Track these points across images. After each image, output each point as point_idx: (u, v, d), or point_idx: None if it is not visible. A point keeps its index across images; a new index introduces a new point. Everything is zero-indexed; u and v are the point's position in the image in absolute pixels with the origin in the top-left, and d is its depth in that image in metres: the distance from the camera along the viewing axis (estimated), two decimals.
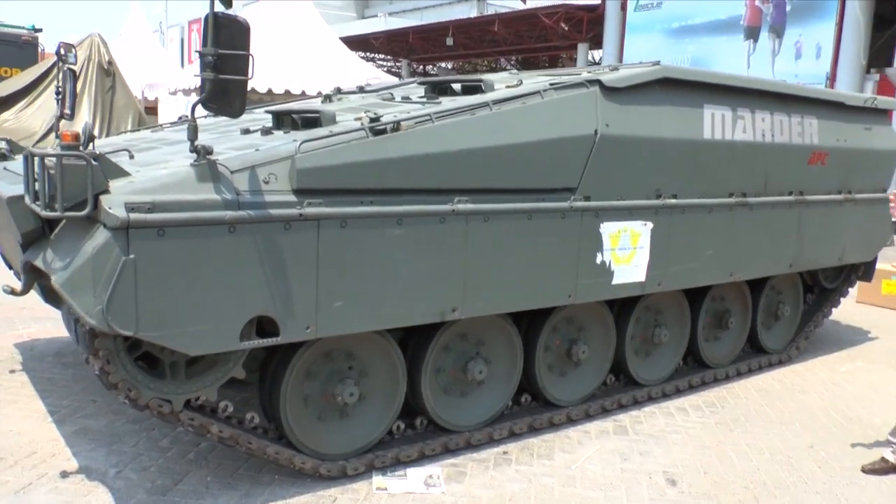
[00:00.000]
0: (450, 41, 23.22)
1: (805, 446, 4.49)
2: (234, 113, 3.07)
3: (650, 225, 4.60)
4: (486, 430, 4.29)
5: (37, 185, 3.14)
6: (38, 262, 3.18)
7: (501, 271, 3.97)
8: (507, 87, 4.36)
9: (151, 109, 18.16)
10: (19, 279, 4.70)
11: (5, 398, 4.66)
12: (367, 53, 27.47)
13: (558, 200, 4.16)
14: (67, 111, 5.75)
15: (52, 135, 5.80)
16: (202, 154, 3.11)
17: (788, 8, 15.78)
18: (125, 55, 16.24)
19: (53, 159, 2.83)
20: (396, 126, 3.60)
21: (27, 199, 3.14)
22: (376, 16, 36.89)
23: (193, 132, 3.09)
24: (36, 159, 3.09)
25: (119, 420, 4.41)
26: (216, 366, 3.36)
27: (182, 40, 43.08)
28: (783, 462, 4.26)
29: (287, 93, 12.64)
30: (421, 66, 29.61)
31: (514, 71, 7.42)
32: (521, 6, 29.56)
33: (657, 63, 4.70)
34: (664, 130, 4.62)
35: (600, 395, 4.91)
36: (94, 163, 2.87)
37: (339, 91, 6.31)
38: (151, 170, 3.27)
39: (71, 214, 2.84)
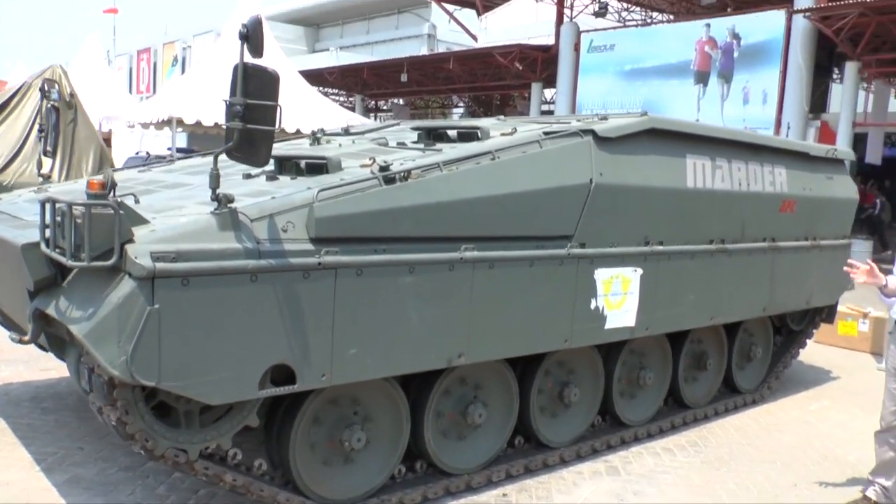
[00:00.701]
0: (404, 77, 23.47)
1: (789, 485, 4.65)
2: (260, 162, 3.11)
3: (640, 271, 4.75)
4: (484, 473, 4.34)
5: (51, 233, 3.13)
6: (51, 311, 3.15)
7: (504, 317, 4.06)
8: (502, 134, 4.49)
9: (106, 142, 17.86)
10: (7, 329, 4.65)
11: None
12: (321, 88, 27.58)
13: (556, 248, 4.28)
14: (49, 148, 5.69)
15: (35, 169, 5.70)
16: (223, 202, 3.13)
17: (736, 55, 16.45)
18: (79, 86, 15.99)
19: (81, 208, 2.82)
20: (406, 175, 3.67)
21: (43, 247, 3.11)
22: (328, 49, 37.24)
23: (216, 181, 3.11)
24: (51, 206, 3.06)
25: (111, 468, 4.31)
26: (230, 414, 3.35)
27: (131, 69, 42.69)
28: (774, 500, 4.41)
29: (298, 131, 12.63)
30: (373, 102, 29.80)
31: (462, 105, 7.57)
32: (474, 45, 30.22)
33: (644, 113, 4.89)
34: (652, 179, 4.79)
35: (589, 436, 5.00)
36: (121, 212, 2.86)
37: (323, 132, 6.38)
38: (168, 217, 3.27)
39: (98, 265, 2.83)
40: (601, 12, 19.88)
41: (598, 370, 4.96)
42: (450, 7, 30.03)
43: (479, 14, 30.77)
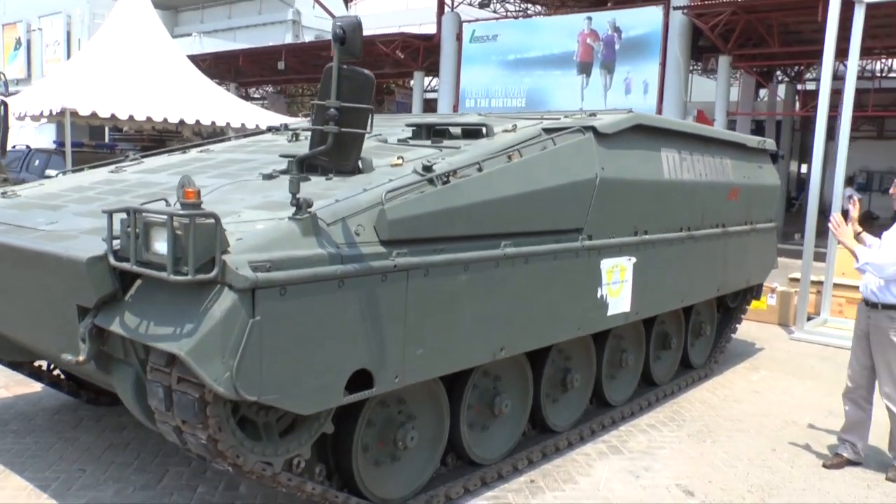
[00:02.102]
0: (282, 65, 22.92)
1: (769, 450, 5.08)
2: (349, 166, 3.06)
3: (633, 260, 5.02)
4: (509, 461, 4.46)
5: (131, 245, 2.93)
6: (116, 328, 2.96)
7: (534, 309, 4.19)
8: (504, 131, 4.59)
9: None
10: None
11: None
12: None
13: (570, 241, 4.45)
14: None
15: None
16: (304, 208, 3.06)
17: (617, 47, 17.30)
18: None
19: (184, 219, 2.66)
20: (450, 175, 3.71)
21: (112, 261, 2.91)
22: (190, 35, 35.54)
23: (296, 185, 3.02)
24: (132, 216, 2.85)
25: (126, 488, 4.09)
26: (306, 423, 3.27)
27: None
28: (762, 466, 4.81)
29: (148, 119, 11.96)
30: (244, 90, 28.85)
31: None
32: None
33: (630, 111, 5.15)
34: (639, 173, 5.06)
35: (583, 419, 5.23)
36: (221, 221, 2.74)
37: (286, 127, 6.22)
38: (235, 224, 3.15)
39: (202, 278, 2.69)
40: (485, 2, 20.21)
41: (592, 356, 5.20)
42: None
43: (347, 2, 30.50)
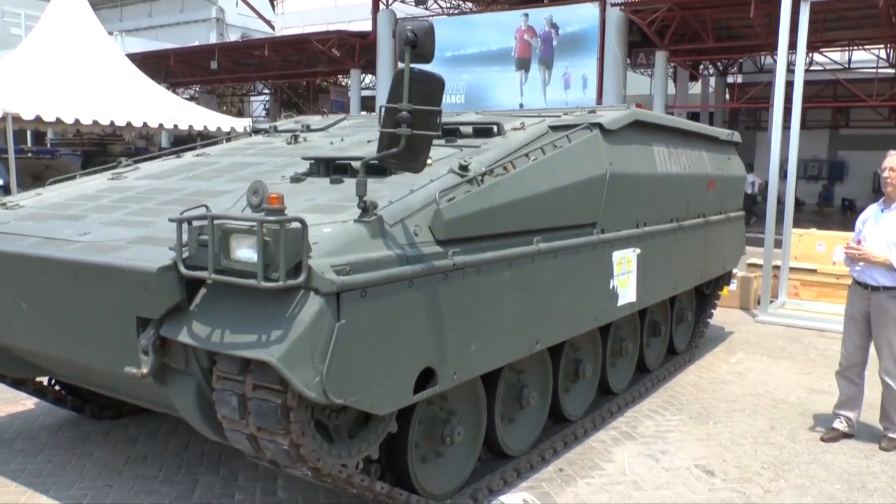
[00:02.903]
0: (214, 65, 22.43)
1: (768, 428, 5.34)
2: (418, 168, 3.08)
3: (637, 251, 5.19)
4: (536, 452, 4.56)
5: (187, 251, 2.89)
6: (185, 338, 2.92)
7: (560, 302, 4.30)
8: (514, 129, 4.69)
9: None
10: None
11: None
12: None
13: (587, 235, 4.58)
14: None
15: None
16: (371, 210, 3.08)
17: (555, 43, 17.65)
18: None
19: (274, 226, 2.63)
20: (485, 175, 3.77)
21: (183, 269, 2.85)
22: (111, 34, 34.25)
23: (363, 188, 3.04)
24: (210, 224, 2.79)
25: (162, 500, 4.02)
26: (373, 423, 3.29)
27: None
28: (766, 443, 5.06)
29: (95, 123, 11.52)
30: (173, 90, 28.06)
31: (266, 93, 7.68)
32: (271, 32, 29.42)
33: (629, 107, 5.31)
34: (638, 167, 5.24)
35: (592, 408, 5.37)
36: (307, 226, 2.72)
37: (275, 129, 6.15)
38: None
39: (292, 283, 2.67)
40: (422, 0, 20.27)
41: (598, 346, 5.35)
42: None
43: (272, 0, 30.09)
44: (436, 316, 3.28)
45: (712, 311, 7.63)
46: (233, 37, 31.63)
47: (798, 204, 20.56)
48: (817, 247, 9.46)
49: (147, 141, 18.54)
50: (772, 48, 17.20)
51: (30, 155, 12.00)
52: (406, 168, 3.08)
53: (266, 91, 27.06)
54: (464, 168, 3.71)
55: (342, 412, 3.15)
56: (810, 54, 16.88)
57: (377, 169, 3.88)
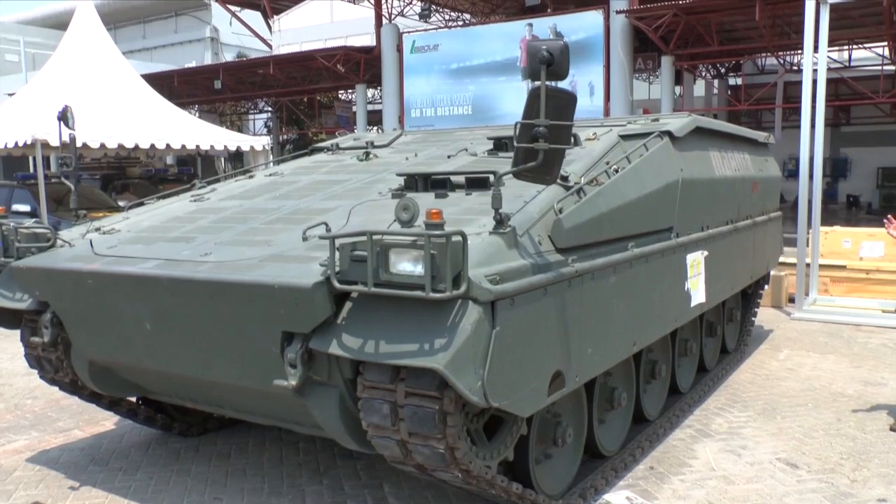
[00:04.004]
0: (218, 84, 22.55)
1: (835, 421, 5.51)
2: (551, 181, 3.24)
3: (706, 253, 5.36)
4: (627, 450, 4.71)
5: (337, 266, 3.01)
6: (336, 350, 3.04)
7: (650, 305, 4.46)
8: (587, 139, 4.86)
9: None
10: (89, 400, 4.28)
11: None
12: None
13: (666, 239, 4.75)
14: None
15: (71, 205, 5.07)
16: (505, 222, 3.22)
17: None
18: None
19: (441, 239, 2.76)
20: (588, 183, 3.93)
21: (337, 284, 2.98)
22: None
23: (499, 201, 3.18)
24: (370, 240, 2.90)
25: None
26: (507, 426, 3.43)
27: None
28: (837, 435, 5.22)
29: (120, 146, 11.62)
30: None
31: (268, 111, 7.77)
32: (268, 50, 29.52)
33: (690, 115, 5.49)
34: (701, 172, 5.42)
35: (665, 406, 5.53)
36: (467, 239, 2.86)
37: (337, 146, 6.28)
38: None
39: (457, 294, 2.80)
40: (425, 14, 20.45)
41: (668, 347, 5.50)
42: (233, 8, 29.13)
43: (267, 17, 30.19)
44: (562, 321, 3.43)
45: (756, 309, 7.80)
46: (228, 56, 31.79)
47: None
48: (843, 243, 9.68)
49: (160, 161, 18.59)
50: (776, 49, 17.58)
51: (53, 180, 12.05)
52: (540, 181, 3.23)
53: (268, 109, 27.16)
54: (564, 178, 3.87)
55: (480, 416, 3.29)
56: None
57: (478, 182, 4.06)
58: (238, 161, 25.38)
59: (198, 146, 12.47)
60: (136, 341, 3.88)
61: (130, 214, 4.99)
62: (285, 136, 25.94)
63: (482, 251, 3.09)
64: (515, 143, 3.16)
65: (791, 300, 9.60)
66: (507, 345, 3.01)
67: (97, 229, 4.65)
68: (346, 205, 4.09)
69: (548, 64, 3.07)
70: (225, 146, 12.70)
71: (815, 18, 9.12)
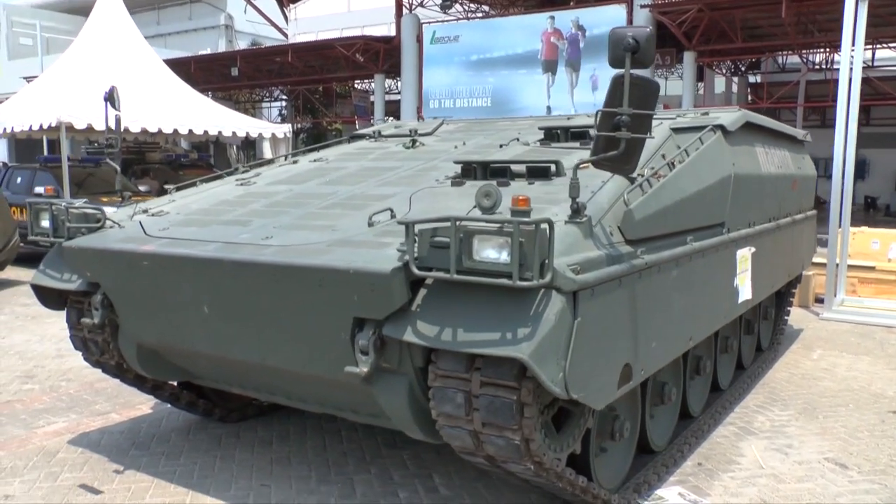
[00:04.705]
0: (235, 71, 22.48)
1: (879, 422, 5.47)
2: (631, 169, 3.18)
3: (753, 249, 5.31)
4: (674, 445, 4.67)
5: (416, 252, 2.96)
6: (411, 337, 3.00)
7: (705, 300, 4.42)
8: None
9: None
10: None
11: (156, 502, 4.06)
12: None
13: (718, 234, 4.69)
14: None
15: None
16: (582, 211, 3.18)
17: (582, 45, 17.77)
18: None
19: (530, 226, 2.71)
20: (652, 175, 3.88)
21: (416, 270, 2.93)
22: None
23: (577, 190, 3.13)
24: (454, 226, 2.85)
25: (327, 499, 4.10)
26: (574, 419, 3.39)
27: None
28: (883, 436, 5.18)
29: (143, 130, 11.58)
30: None
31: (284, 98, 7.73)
32: (283, 39, 29.44)
33: (740, 109, 5.43)
34: (750, 167, 5.36)
35: (707, 403, 5.49)
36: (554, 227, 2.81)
37: (379, 133, 6.22)
38: None
39: (543, 283, 2.75)
40: (446, 4, 20.34)
41: (712, 344, 5.45)
42: None
43: (282, 5, 30.07)
44: (632, 314, 3.38)
45: (788, 308, 7.75)
46: (242, 44, 31.67)
47: (820, 202, 20.88)
48: (872, 244, 9.63)
49: (181, 147, 18.53)
50: (801, 48, 17.48)
51: (75, 164, 12.03)
52: (619, 170, 3.18)
53: (283, 97, 27.09)
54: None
55: (549, 408, 3.24)
56: (833, 53, 17.10)
57: (540, 172, 4.00)
58: (251, 149, 25.34)
59: (220, 132, 12.41)
60: (191, 325, 3.85)
61: (176, 197, 4.95)
62: (299, 125, 25.85)
63: (561, 240, 3.04)
64: (596, 132, 3.11)
65: (818, 300, 9.55)
66: (587, 336, 2.96)
67: (144, 211, 4.60)
68: (403, 191, 4.04)
69: (633, 51, 3.01)
70: (234, 133, 12.61)
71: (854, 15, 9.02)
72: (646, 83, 3.06)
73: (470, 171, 4.18)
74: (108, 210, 4.50)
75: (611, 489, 3.93)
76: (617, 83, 3.03)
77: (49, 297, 4.63)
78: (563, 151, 4.53)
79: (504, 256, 2.76)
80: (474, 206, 2.96)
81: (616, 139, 3.07)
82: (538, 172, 4.00)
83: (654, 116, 5.29)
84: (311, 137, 25.02)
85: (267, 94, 27.96)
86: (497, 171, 4.10)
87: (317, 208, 4.07)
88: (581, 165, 3.14)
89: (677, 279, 3.91)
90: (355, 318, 3.15)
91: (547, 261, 2.77)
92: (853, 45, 8.93)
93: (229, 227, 3.96)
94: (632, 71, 3.04)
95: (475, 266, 2.83)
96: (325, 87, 26.61)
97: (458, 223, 2.83)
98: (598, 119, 3.11)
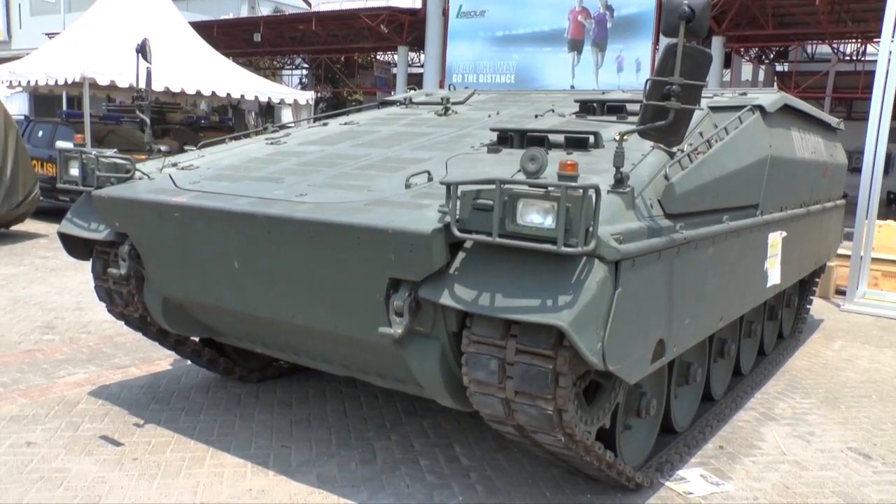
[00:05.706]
0: (257, 37, 22.34)
1: None
2: (677, 141, 3.12)
3: (784, 234, 5.23)
4: (696, 427, 4.63)
5: (458, 214, 2.91)
6: (447, 300, 2.95)
7: (736, 281, 4.36)
8: None
9: None
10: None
11: (177, 457, 4.05)
12: None
13: (751, 216, 4.62)
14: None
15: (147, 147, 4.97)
16: (625, 181, 3.11)
17: (609, 25, 17.54)
18: None
19: (577, 191, 2.65)
20: (693, 151, 3.81)
21: (457, 233, 2.88)
22: None
23: (621, 159, 3.07)
24: (499, 188, 2.79)
25: (347, 463, 4.09)
26: (604, 393, 3.35)
27: None
28: None
29: (167, 90, 11.52)
30: None
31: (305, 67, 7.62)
32: (304, 7, 29.19)
33: (779, 91, 5.33)
34: (786, 151, 5.27)
35: (729, 387, 5.44)
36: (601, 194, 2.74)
37: (410, 100, 6.16)
38: None
39: (587, 250, 2.69)
40: None
41: (736, 327, 5.40)
42: None
43: None
44: (669, 289, 3.33)
45: (811, 297, 7.68)
46: (265, 11, 31.37)
47: (843, 196, 20.71)
48: None
49: (201, 109, 18.48)
50: (833, 37, 17.20)
51: (96, 120, 11.99)
52: (665, 141, 3.12)
53: (304, 66, 26.92)
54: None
55: (581, 379, 3.20)
56: (865, 45, 16.84)
57: (579, 142, 3.93)
58: (269, 116, 25.24)
59: (242, 95, 12.34)
60: (220, 280, 3.82)
61: (205, 153, 4.91)
62: (319, 94, 25.74)
63: (604, 209, 2.97)
64: (644, 101, 3.04)
65: (838, 292, 9.46)
66: (626, 308, 2.91)
67: (174, 164, 4.57)
68: (438, 156, 3.99)
69: (687, 20, 2.93)
70: (256, 97, 12.54)
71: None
72: (699, 53, 2.99)
73: (506, 138, 4.11)
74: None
75: (634, 466, 3.90)
76: (669, 52, 2.96)
77: (75, 247, 4.61)
78: (599, 124, 4.45)
79: (549, 221, 2.70)
80: (518, 171, 2.90)
81: (664, 109, 3.00)
82: (577, 143, 3.93)
83: (706, 95, 5.27)
84: (331, 107, 24.89)
85: (288, 62, 27.79)
86: (534, 140, 4.03)
87: (351, 169, 4.02)
88: (625, 135, 3.06)
89: (712, 257, 3.85)
90: (391, 278, 3.11)
91: (591, 228, 2.71)
92: (893, 36, 8.72)
93: (262, 182, 3.92)
94: (691, 42, 2.96)
95: (518, 230, 2.78)
96: (347, 57, 26.45)
97: (503, 185, 2.78)
98: (647, 88, 3.03)
